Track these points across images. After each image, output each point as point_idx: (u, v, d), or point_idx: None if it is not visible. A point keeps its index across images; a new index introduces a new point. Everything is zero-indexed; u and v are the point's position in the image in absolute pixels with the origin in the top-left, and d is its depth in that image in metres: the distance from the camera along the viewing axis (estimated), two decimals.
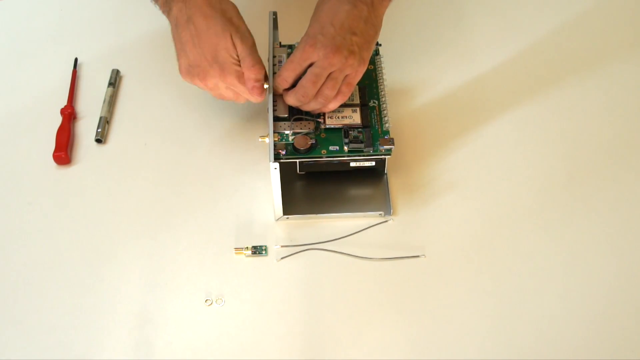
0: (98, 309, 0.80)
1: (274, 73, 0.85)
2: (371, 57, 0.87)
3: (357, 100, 0.85)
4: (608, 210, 0.86)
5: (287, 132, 0.82)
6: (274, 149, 0.80)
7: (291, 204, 0.85)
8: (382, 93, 0.86)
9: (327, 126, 0.83)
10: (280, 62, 0.88)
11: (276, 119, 0.84)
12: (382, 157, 0.83)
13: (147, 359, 0.77)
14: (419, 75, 0.98)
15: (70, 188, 0.89)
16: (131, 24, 1.04)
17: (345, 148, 0.82)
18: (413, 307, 0.79)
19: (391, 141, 0.82)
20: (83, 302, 0.80)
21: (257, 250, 0.83)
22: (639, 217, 0.85)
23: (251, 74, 0.82)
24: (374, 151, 0.82)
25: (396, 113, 0.92)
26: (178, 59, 0.83)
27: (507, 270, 0.81)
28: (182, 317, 0.79)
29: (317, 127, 0.83)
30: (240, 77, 0.82)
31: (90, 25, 1.05)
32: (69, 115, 0.94)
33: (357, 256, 0.83)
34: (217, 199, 0.87)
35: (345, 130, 0.83)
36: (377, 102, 0.86)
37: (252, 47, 0.82)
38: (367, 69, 0.85)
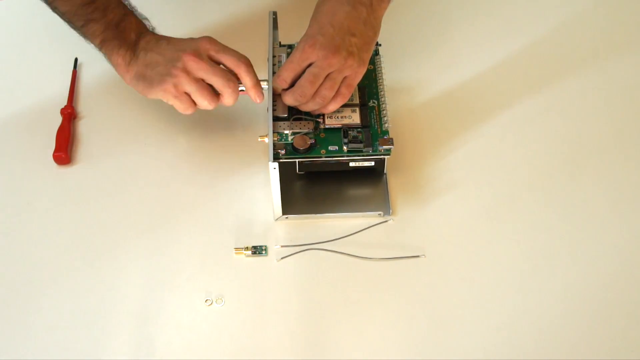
0: (98, 309, 0.79)
1: (274, 73, 0.84)
2: (371, 57, 0.86)
3: (356, 100, 0.85)
4: (608, 210, 0.85)
5: (286, 132, 0.82)
6: (274, 149, 0.79)
7: (290, 204, 0.84)
8: (382, 93, 0.86)
9: (327, 126, 0.83)
10: (280, 62, 0.87)
11: (275, 118, 0.83)
12: (382, 157, 0.82)
13: (147, 359, 0.76)
14: (418, 75, 0.97)
15: (70, 188, 0.88)
16: None
17: (345, 148, 0.81)
18: (413, 307, 0.79)
19: (390, 141, 0.81)
20: (83, 302, 0.80)
21: (257, 250, 0.82)
22: (638, 216, 0.85)
23: (249, 79, 0.81)
24: (373, 151, 0.81)
25: (395, 113, 0.91)
26: (124, 75, 0.85)
27: (507, 270, 0.81)
28: (182, 317, 0.79)
29: (316, 127, 0.83)
30: (215, 68, 0.81)
31: None
32: (69, 115, 0.93)
33: (357, 256, 0.82)
34: (217, 199, 0.87)
35: (345, 130, 0.83)
36: (376, 102, 0.85)
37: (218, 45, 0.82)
38: (367, 69, 0.84)
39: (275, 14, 0.90)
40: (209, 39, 0.82)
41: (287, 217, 0.84)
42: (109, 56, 0.86)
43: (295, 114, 0.83)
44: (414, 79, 0.97)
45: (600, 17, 1.04)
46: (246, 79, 0.82)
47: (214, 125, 0.93)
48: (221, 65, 0.82)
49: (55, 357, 0.77)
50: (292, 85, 0.82)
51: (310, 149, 0.81)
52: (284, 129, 0.82)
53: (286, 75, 0.81)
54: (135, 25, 0.86)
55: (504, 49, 1.00)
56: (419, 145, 0.90)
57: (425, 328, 0.77)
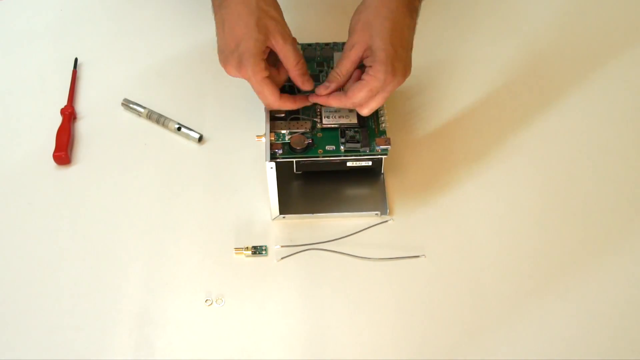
0: (98, 309, 0.79)
1: None
2: None
3: None
4: (608, 209, 0.85)
5: (283, 131, 0.81)
6: (271, 149, 0.79)
7: (288, 204, 0.84)
8: None
9: (324, 126, 0.82)
10: None
11: (273, 118, 0.82)
12: (379, 156, 0.81)
13: (147, 359, 0.76)
14: (416, 74, 0.94)
15: (70, 188, 0.88)
16: (132, 24, 1.03)
17: (342, 148, 0.80)
18: (413, 307, 0.78)
19: (388, 141, 0.81)
20: (83, 302, 0.79)
21: (257, 250, 0.81)
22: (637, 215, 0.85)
23: (297, 70, 0.80)
24: (370, 151, 0.80)
25: (393, 113, 0.90)
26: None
27: (507, 270, 0.80)
28: (182, 317, 0.78)
29: (313, 127, 0.82)
30: (258, 73, 0.78)
31: (90, 25, 1.03)
32: (69, 115, 0.92)
33: (357, 256, 0.81)
34: (216, 199, 0.86)
35: (342, 129, 0.82)
36: None
37: (294, 44, 0.79)
38: None
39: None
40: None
41: (284, 217, 0.84)
42: None
43: (292, 113, 0.83)
44: (411, 78, 0.93)
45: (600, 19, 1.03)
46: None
47: (213, 125, 0.92)
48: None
49: (55, 357, 0.76)
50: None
51: (307, 149, 0.80)
52: (281, 128, 0.81)
53: (361, 97, 0.78)
54: None
55: (503, 49, 0.99)
56: (417, 145, 0.89)
57: (425, 328, 0.77)
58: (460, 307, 0.78)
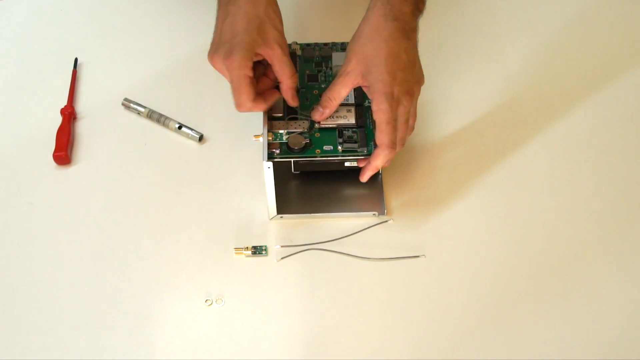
0: (98, 309, 0.78)
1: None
2: None
3: (351, 100, 0.83)
4: (608, 209, 0.84)
5: (281, 131, 0.80)
6: (268, 148, 0.78)
7: (285, 204, 0.83)
8: None
9: (322, 126, 0.81)
10: None
11: (270, 118, 0.81)
12: None
13: (147, 359, 0.75)
14: None
15: (70, 188, 0.87)
16: (132, 24, 1.02)
17: (340, 148, 0.80)
18: (413, 307, 0.78)
19: None
20: (83, 302, 0.79)
21: (257, 251, 0.81)
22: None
23: (291, 83, 0.79)
24: (368, 151, 0.80)
25: None
26: None
27: (508, 270, 0.80)
28: (182, 317, 0.78)
29: (311, 127, 0.81)
30: (244, 67, 0.76)
31: (90, 25, 1.02)
32: (69, 115, 0.91)
33: (357, 256, 0.81)
34: (216, 198, 0.85)
35: (340, 130, 0.81)
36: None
37: (290, 59, 0.79)
38: None
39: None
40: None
41: (281, 217, 0.83)
42: None
43: (290, 113, 0.82)
44: None
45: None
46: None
47: (213, 125, 0.91)
48: None
49: (55, 357, 0.76)
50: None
51: (305, 149, 0.79)
52: (279, 128, 0.80)
53: (387, 135, 0.77)
54: None
55: (503, 51, 0.98)
56: (415, 144, 0.89)
57: (425, 328, 0.76)
58: (460, 307, 0.78)
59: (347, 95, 0.80)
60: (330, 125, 0.81)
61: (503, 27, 1.01)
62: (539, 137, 0.90)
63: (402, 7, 0.77)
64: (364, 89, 0.78)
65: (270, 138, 0.79)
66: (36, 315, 0.78)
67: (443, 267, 0.80)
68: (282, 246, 0.81)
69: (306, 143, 0.79)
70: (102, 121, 0.92)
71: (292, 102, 0.80)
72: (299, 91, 0.82)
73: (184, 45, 0.99)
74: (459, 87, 0.94)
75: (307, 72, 0.86)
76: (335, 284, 0.79)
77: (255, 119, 0.89)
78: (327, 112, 0.79)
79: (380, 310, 0.78)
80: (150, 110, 0.92)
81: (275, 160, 0.78)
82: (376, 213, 0.83)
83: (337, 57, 0.85)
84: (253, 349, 0.76)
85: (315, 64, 0.86)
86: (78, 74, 0.97)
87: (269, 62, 0.79)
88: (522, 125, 0.91)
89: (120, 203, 0.86)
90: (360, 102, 0.83)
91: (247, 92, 0.77)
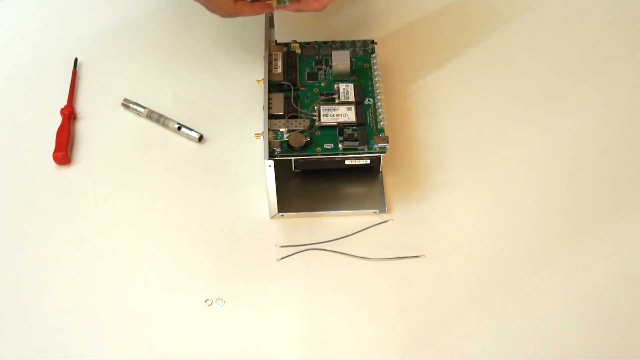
0: (98, 309, 0.78)
1: (270, 71, 0.83)
2: (367, 56, 0.85)
3: (352, 98, 0.83)
4: (609, 209, 0.84)
5: (282, 129, 0.80)
6: (269, 147, 0.78)
7: (286, 202, 0.82)
8: (378, 91, 0.84)
9: (322, 124, 0.81)
10: (275, 59, 0.86)
11: (271, 116, 0.81)
12: (377, 155, 0.80)
13: (147, 359, 0.75)
14: (415, 73, 0.95)
15: (70, 188, 0.86)
16: (132, 24, 1.02)
17: (340, 146, 0.79)
18: (413, 307, 0.77)
19: (386, 139, 0.79)
20: (83, 302, 0.78)
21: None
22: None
23: None
24: (368, 149, 0.79)
25: (391, 111, 0.90)
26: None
27: (508, 270, 0.79)
28: (182, 317, 0.77)
29: (312, 125, 0.81)
30: None
31: (90, 25, 1.02)
32: (69, 115, 0.91)
33: (357, 256, 0.80)
34: (216, 198, 0.85)
35: (340, 128, 0.81)
36: (372, 100, 0.83)
37: None
38: (363, 67, 0.83)
39: (271, 12, 0.88)
40: None
41: (282, 215, 0.83)
42: None
43: (290, 111, 0.81)
44: (409, 77, 0.95)
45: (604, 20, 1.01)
46: None
47: (213, 125, 0.91)
48: None
49: (55, 357, 0.75)
50: None
51: (305, 147, 0.79)
52: (280, 126, 0.80)
53: None
54: None
55: (503, 49, 0.98)
56: (415, 143, 0.88)
57: (425, 328, 0.76)
58: (460, 307, 0.77)
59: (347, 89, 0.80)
60: (331, 124, 0.81)
61: (503, 27, 1.01)
62: (540, 137, 0.89)
63: None
64: None
65: (271, 136, 0.79)
66: (36, 316, 0.77)
67: (443, 267, 0.79)
68: (281, 246, 0.81)
69: (307, 141, 0.79)
70: (102, 121, 0.92)
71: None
72: None
73: (184, 45, 0.98)
74: (459, 87, 0.94)
75: (307, 70, 0.85)
76: (335, 284, 0.79)
77: (255, 119, 0.89)
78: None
79: (380, 310, 0.77)
80: (150, 110, 0.91)
81: (276, 158, 0.78)
82: (377, 211, 0.83)
83: (336, 56, 0.84)
84: (253, 349, 0.75)
85: (315, 63, 0.86)
86: (78, 74, 0.96)
87: None
88: (523, 125, 0.90)
89: (120, 203, 0.85)
90: (361, 100, 0.83)
91: None
